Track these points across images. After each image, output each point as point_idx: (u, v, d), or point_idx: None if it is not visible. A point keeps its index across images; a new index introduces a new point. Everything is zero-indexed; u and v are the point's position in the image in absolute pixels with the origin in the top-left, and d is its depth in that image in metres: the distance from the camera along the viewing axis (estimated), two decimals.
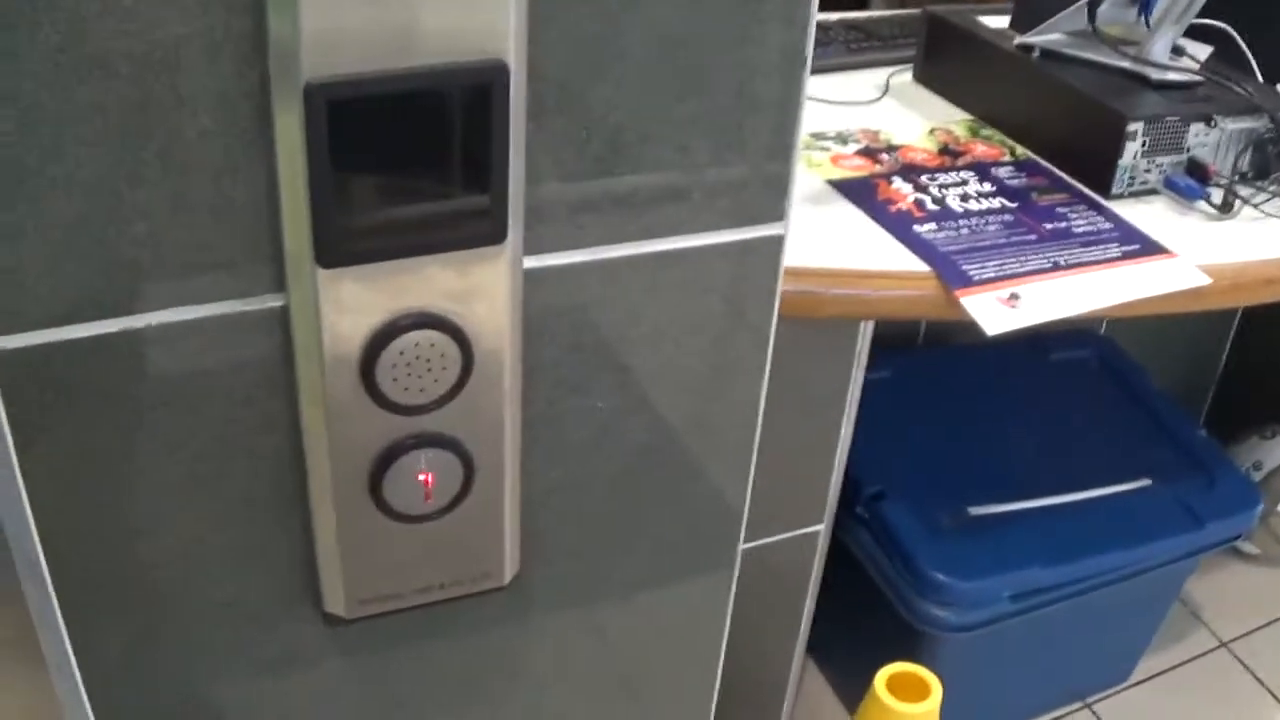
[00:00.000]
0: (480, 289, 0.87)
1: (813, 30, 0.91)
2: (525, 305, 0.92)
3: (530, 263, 0.91)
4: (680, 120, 0.90)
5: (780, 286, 1.00)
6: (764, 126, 0.93)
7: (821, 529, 1.75)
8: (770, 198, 0.96)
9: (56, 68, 0.75)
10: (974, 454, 2.00)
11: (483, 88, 0.80)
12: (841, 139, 1.75)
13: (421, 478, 0.93)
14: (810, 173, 1.64)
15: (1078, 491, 1.93)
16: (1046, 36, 1.79)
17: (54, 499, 0.89)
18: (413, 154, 0.82)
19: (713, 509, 1.13)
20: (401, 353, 0.87)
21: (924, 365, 2.16)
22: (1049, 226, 1.59)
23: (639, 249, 0.94)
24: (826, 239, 1.51)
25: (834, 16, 2.09)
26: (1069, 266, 1.51)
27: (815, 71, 1.87)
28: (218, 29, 0.77)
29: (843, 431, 1.68)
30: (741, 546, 1.18)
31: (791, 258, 0.98)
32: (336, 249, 0.82)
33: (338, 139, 0.79)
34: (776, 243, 0.98)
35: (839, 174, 1.66)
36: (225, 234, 0.84)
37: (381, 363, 0.87)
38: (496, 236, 0.86)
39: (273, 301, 0.87)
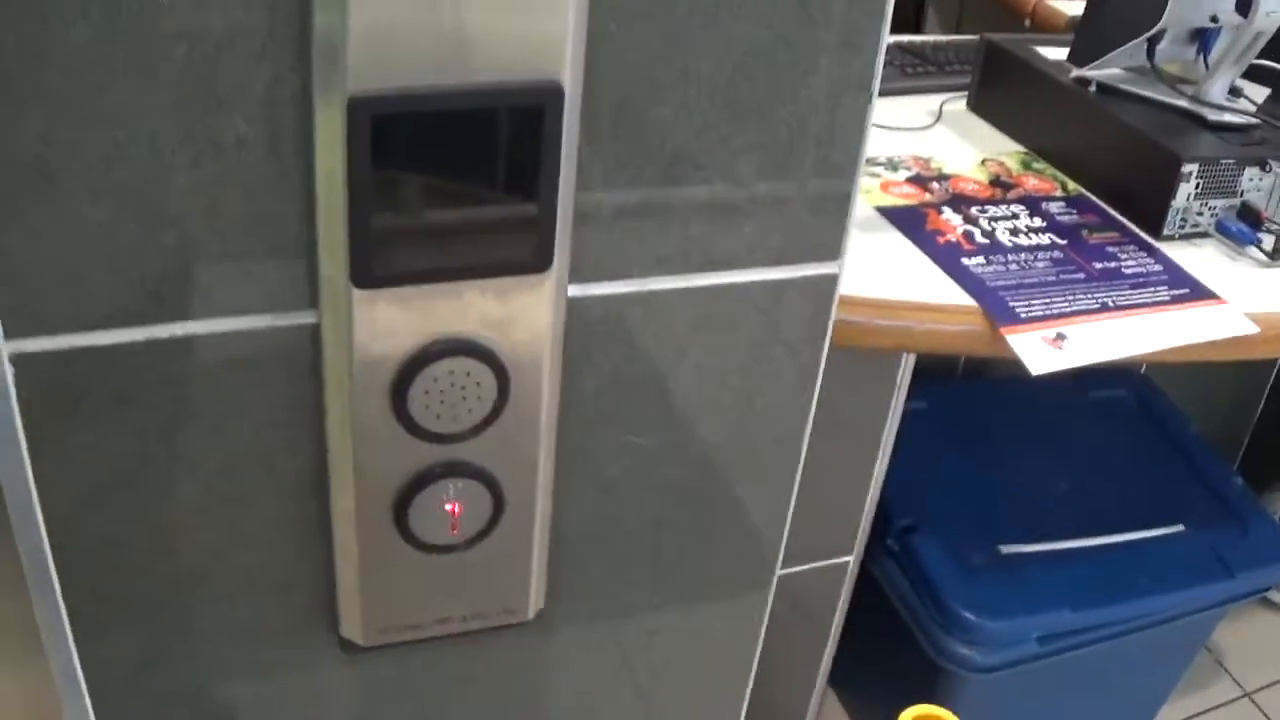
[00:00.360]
0: (521, 317, 0.82)
1: (879, 65, 0.85)
2: (567, 335, 0.86)
3: (575, 291, 0.86)
4: (737, 149, 0.85)
5: (831, 326, 0.95)
6: (824, 161, 0.87)
7: (851, 560, 1.70)
8: (826, 235, 0.90)
9: (90, 63, 0.70)
10: (1008, 490, 1.94)
11: (535, 109, 0.75)
12: (892, 165, 1.70)
13: (449, 508, 0.88)
14: (859, 198, 1.58)
15: (1110, 534, 1.87)
16: (1104, 71, 1.74)
17: (68, 507, 0.84)
18: (457, 174, 0.77)
19: (750, 544, 1.08)
20: (435, 379, 0.82)
21: (962, 397, 2.10)
22: (1098, 266, 1.53)
23: (689, 282, 0.89)
24: (872, 268, 1.45)
25: (889, 39, 2.03)
26: (1117, 308, 1.45)
27: None
28: (261, 31, 0.72)
29: (878, 462, 1.62)
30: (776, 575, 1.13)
31: None
32: (372, 269, 0.77)
33: (380, 155, 0.74)
34: (830, 282, 0.92)
35: (888, 201, 1.61)
36: (259, 246, 0.79)
37: (414, 388, 0.82)
38: (541, 264, 0.80)
39: (305, 318, 0.82)
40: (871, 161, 1.70)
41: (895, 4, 0.84)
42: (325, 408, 0.84)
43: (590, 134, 0.80)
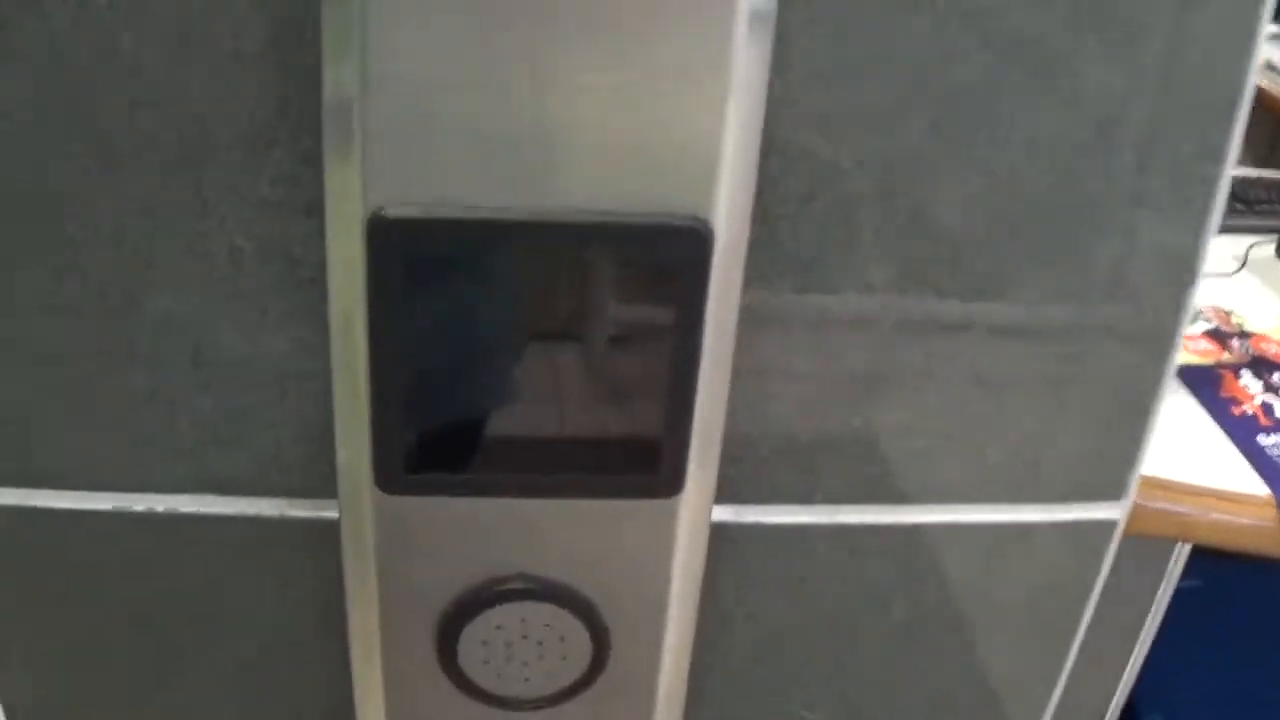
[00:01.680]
0: (632, 554, 0.48)
1: (1210, 233, 0.49)
2: (709, 575, 0.52)
3: (725, 515, 0.51)
4: (982, 337, 0.49)
5: (1103, 581, 0.58)
6: (1112, 359, 0.52)
7: None
8: (1106, 467, 0.54)
9: (39, 119, 0.41)
10: (1273, 692, 1.51)
11: (667, 260, 0.41)
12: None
13: None
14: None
15: None
16: None
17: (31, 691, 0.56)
18: (537, 347, 0.43)
19: None
20: (499, 627, 0.49)
21: (1240, 577, 1.66)
22: None
23: (898, 516, 0.54)
24: (1153, 437, 1.07)
25: None
26: None
27: None
28: (264, 108, 0.39)
29: (1135, 655, 1.22)
30: None
31: None
32: (403, 472, 0.44)
33: (417, 308, 0.40)
34: (1107, 530, 0.56)
35: (1181, 358, 1.21)
36: (263, 406, 0.46)
37: (468, 637, 0.49)
38: (666, 487, 0.46)
39: (326, 511, 0.49)
40: None
41: None
42: (350, 632, 0.51)
43: (761, 297, 0.45)
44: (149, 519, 0.51)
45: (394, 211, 0.40)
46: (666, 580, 0.50)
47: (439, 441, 0.44)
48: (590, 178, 0.40)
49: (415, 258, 0.40)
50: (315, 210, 0.43)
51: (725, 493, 0.51)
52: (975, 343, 0.50)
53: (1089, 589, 0.60)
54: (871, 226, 0.47)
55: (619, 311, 0.43)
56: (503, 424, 0.45)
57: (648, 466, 0.46)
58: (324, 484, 0.49)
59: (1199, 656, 1.50)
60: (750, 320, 0.47)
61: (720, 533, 0.52)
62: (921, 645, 0.59)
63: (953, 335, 0.50)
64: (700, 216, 0.40)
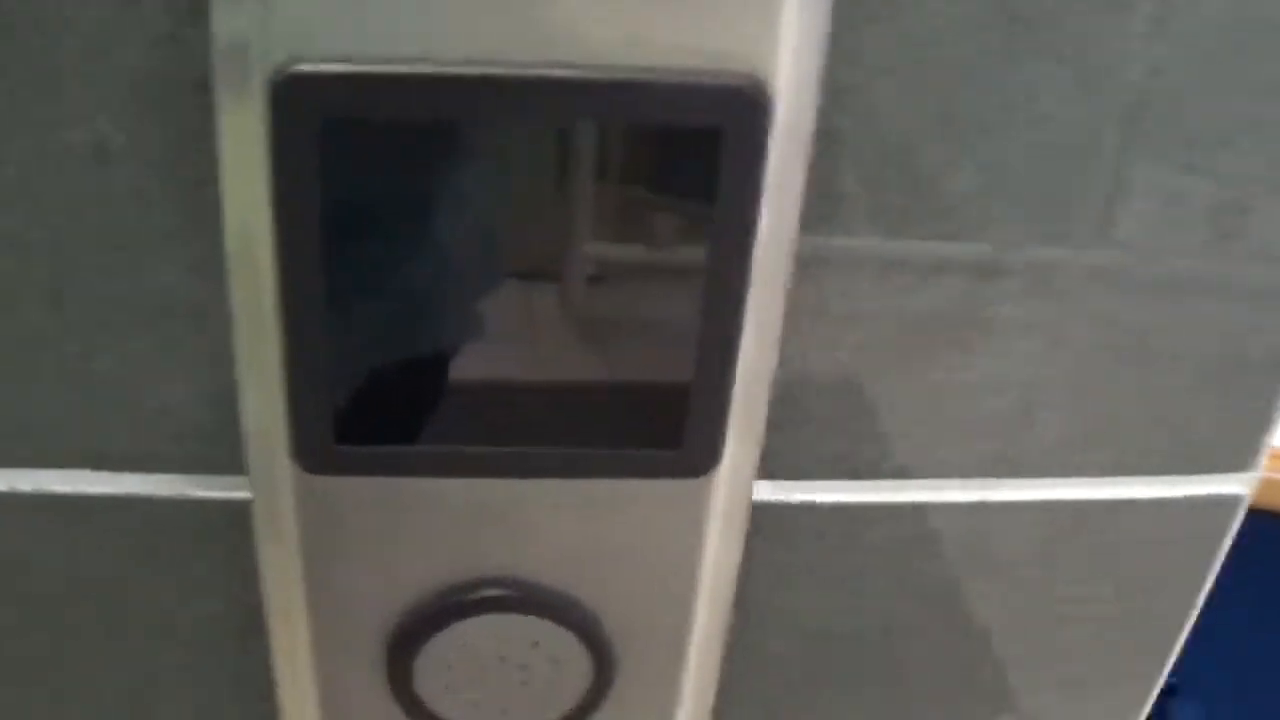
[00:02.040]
0: (647, 548, 0.35)
1: None
2: (745, 567, 0.38)
3: (769, 494, 0.37)
4: (1087, 271, 0.36)
5: (1216, 569, 0.45)
6: (1248, 311, 0.38)
7: None
8: (1230, 437, 0.41)
9: None
10: None
11: (710, 137, 0.27)
12: None
13: None
14: None
15: None
16: None
17: None
18: (516, 270, 0.29)
19: None
20: (466, 645, 0.35)
21: (1267, 535, 1.53)
22: None
23: (978, 493, 0.40)
24: None
25: None
26: None
27: None
28: None
29: (1186, 626, 1.10)
30: None
31: None
32: (330, 443, 0.30)
33: (343, 211, 0.26)
34: (1229, 507, 0.43)
35: None
36: (152, 356, 0.33)
37: (426, 658, 0.35)
38: (697, 463, 0.32)
39: (236, 491, 0.35)
40: None
41: None
42: (273, 650, 0.38)
43: (832, 205, 0.32)
44: (11, 501, 0.37)
45: (308, 67, 0.26)
46: (693, 581, 0.36)
47: (377, 401, 0.30)
48: (596, 19, 0.26)
49: (339, 136, 0.27)
50: (207, 85, 0.29)
51: (767, 466, 0.38)
52: (1076, 289, 0.37)
53: (1202, 577, 0.47)
54: (959, 139, 0.33)
55: (633, 218, 0.29)
56: (467, 377, 0.31)
57: (672, 436, 0.32)
58: (235, 455, 0.36)
59: (1213, 615, 1.37)
60: (804, 248, 0.33)
61: (760, 516, 0.38)
62: (1000, 647, 0.46)
63: (1050, 278, 0.37)
64: (756, 75, 0.27)
